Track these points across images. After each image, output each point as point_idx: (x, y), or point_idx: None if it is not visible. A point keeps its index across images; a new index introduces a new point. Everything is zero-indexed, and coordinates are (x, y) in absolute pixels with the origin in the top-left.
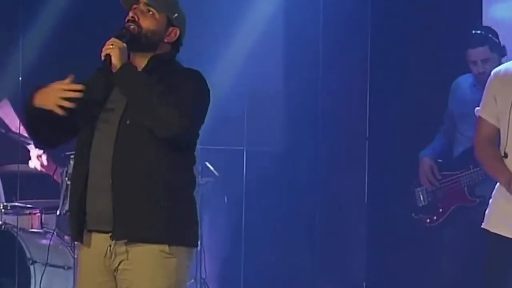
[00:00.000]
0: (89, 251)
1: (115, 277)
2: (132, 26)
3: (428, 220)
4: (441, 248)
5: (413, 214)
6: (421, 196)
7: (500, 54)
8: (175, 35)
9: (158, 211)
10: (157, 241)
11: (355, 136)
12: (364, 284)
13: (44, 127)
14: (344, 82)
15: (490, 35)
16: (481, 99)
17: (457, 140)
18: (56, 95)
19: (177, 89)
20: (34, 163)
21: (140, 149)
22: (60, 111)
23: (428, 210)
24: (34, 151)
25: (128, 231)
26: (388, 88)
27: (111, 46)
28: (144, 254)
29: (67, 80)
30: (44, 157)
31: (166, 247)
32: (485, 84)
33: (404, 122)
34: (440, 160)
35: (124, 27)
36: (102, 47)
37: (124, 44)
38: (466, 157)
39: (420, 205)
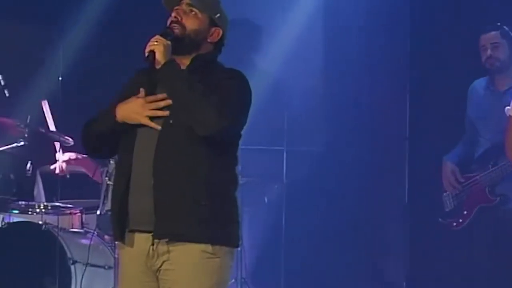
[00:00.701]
0: (131, 251)
1: (157, 278)
2: (176, 28)
3: (454, 224)
4: (471, 249)
5: (440, 219)
6: (448, 201)
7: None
8: (218, 35)
9: (199, 210)
10: (199, 241)
11: (395, 136)
12: (405, 284)
13: (107, 142)
14: (385, 83)
15: (505, 27)
16: (495, 100)
17: (477, 143)
18: (143, 109)
19: (218, 88)
20: (56, 166)
21: (182, 149)
22: (150, 123)
23: (453, 214)
24: (61, 156)
25: (169, 230)
26: (429, 88)
27: (155, 43)
28: (186, 254)
29: (142, 93)
30: (71, 159)
31: (208, 247)
32: (495, 73)
33: (444, 122)
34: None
35: (168, 27)
36: (146, 44)
37: (169, 42)
38: (485, 157)
39: (447, 209)
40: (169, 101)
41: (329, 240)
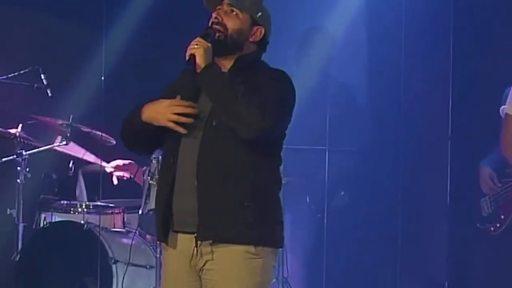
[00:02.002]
0: (174, 252)
1: (200, 277)
2: (218, 30)
3: (492, 229)
4: (509, 253)
5: (478, 224)
6: (485, 206)
7: None
8: (260, 34)
9: (242, 211)
10: (242, 242)
11: (437, 135)
12: (446, 284)
13: (142, 139)
14: (427, 81)
15: None
16: None
17: None
18: (167, 111)
19: (261, 89)
20: (115, 179)
21: (225, 150)
22: (174, 126)
23: (491, 218)
24: (109, 167)
25: (212, 231)
26: (471, 87)
27: (195, 46)
28: (229, 254)
29: (177, 99)
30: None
31: (251, 248)
32: None
33: (487, 122)
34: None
35: (209, 27)
36: (187, 47)
37: (209, 44)
38: None
39: (485, 214)
40: (196, 110)
41: (370, 241)
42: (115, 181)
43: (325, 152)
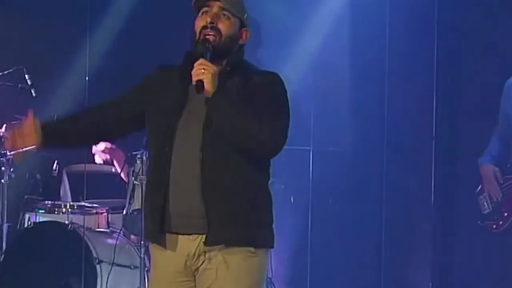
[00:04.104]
0: (168, 253)
1: (195, 277)
2: (211, 34)
3: (494, 226)
4: (508, 252)
5: (479, 222)
6: (485, 203)
7: None
8: (246, 36)
9: (248, 213)
10: (247, 244)
11: (421, 136)
12: (431, 284)
13: (97, 137)
14: (411, 82)
15: None
16: None
17: None
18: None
19: (262, 95)
20: (98, 159)
21: (228, 151)
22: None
23: (493, 216)
24: (96, 148)
25: (223, 236)
26: (455, 87)
27: (202, 71)
28: (229, 254)
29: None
30: (106, 148)
31: (252, 248)
32: None
33: (471, 122)
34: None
35: (203, 39)
36: (188, 68)
37: (215, 68)
38: None
39: (485, 212)
40: None
41: (355, 241)
42: (97, 160)
43: (310, 152)
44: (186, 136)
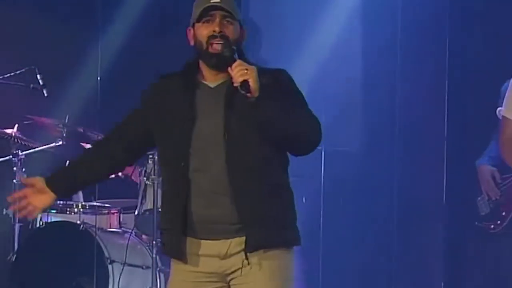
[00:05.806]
0: (195, 258)
1: (227, 280)
2: (221, 45)
3: (492, 226)
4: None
5: (476, 223)
6: (483, 205)
7: None
8: (244, 36)
9: (280, 215)
10: (284, 245)
11: (433, 136)
12: (442, 284)
13: (110, 171)
14: (423, 82)
15: None
16: None
17: None
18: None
19: (283, 94)
20: None
21: (253, 153)
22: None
23: (491, 216)
24: None
25: (261, 241)
26: (467, 87)
27: (245, 71)
28: (265, 258)
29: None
30: None
31: (285, 248)
32: None
33: (483, 122)
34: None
35: (227, 42)
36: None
37: (254, 67)
38: None
39: (483, 213)
40: None
41: (366, 240)
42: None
43: (321, 152)
44: (208, 141)
